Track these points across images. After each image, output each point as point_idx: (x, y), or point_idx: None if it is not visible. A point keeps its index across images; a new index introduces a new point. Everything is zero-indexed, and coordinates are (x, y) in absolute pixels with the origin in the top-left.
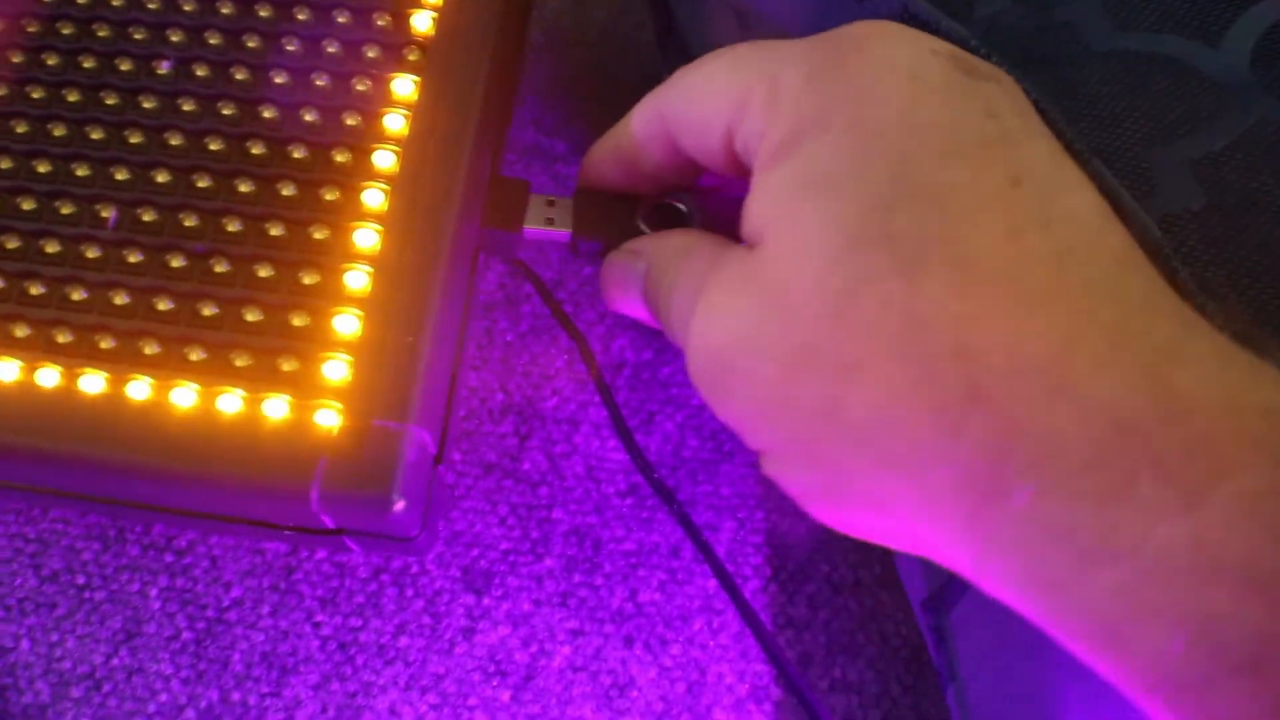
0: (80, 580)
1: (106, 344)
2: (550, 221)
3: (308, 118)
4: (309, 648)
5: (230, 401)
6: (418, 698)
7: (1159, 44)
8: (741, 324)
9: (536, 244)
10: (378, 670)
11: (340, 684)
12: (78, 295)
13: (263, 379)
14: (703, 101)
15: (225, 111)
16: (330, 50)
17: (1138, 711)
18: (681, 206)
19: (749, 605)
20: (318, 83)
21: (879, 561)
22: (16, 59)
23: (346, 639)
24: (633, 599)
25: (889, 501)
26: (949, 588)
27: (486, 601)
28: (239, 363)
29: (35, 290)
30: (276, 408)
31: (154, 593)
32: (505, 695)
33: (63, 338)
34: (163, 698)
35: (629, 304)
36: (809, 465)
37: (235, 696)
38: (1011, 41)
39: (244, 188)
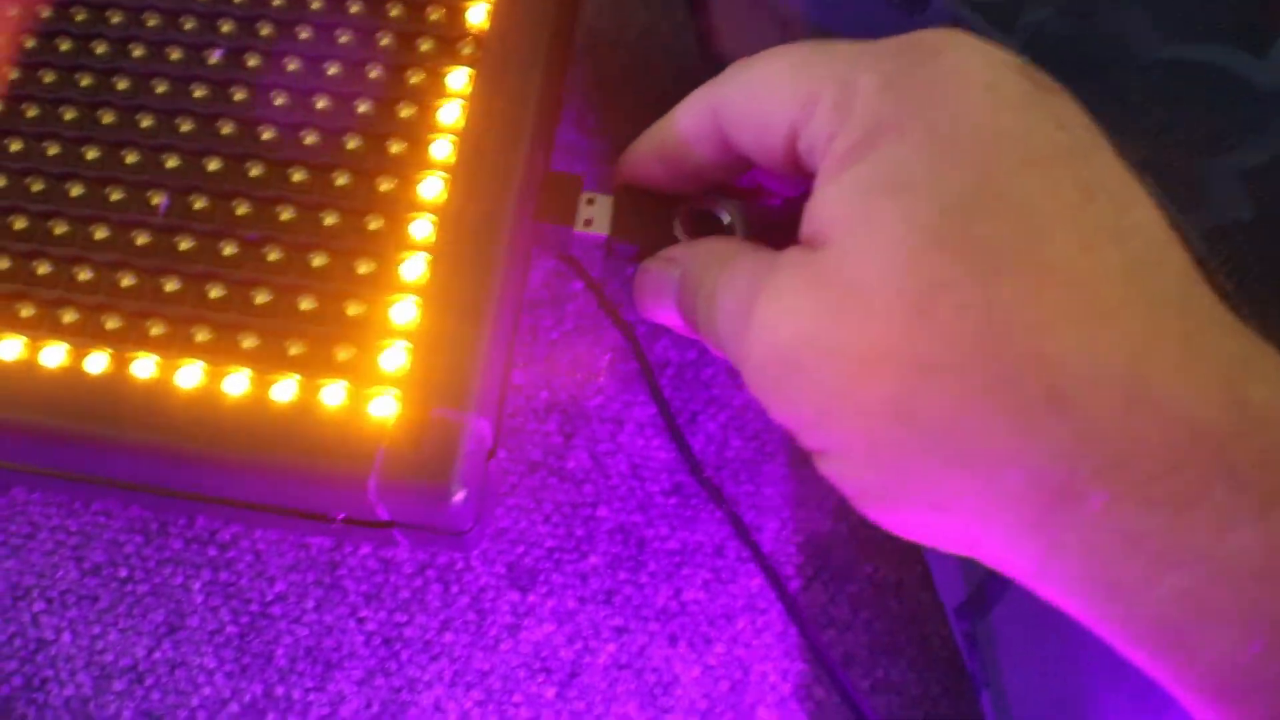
0: (123, 573)
1: (157, 330)
2: (589, 223)
3: (361, 109)
4: (353, 643)
5: (284, 389)
6: (463, 694)
7: (1206, 54)
8: (810, 323)
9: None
10: (423, 666)
11: (385, 679)
12: (127, 281)
13: (317, 367)
14: (765, 98)
15: (278, 102)
16: (384, 42)
17: (1178, 718)
18: (724, 216)
19: (796, 604)
20: (371, 74)
21: (921, 562)
22: (65, 46)
23: (391, 634)
24: (677, 597)
25: (952, 503)
26: (984, 593)
27: (531, 598)
28: (293, 350)
29: (84, 276)
30: (332, 396)
31: (197, 586)
32: (550, 692)
33: (112, 323)
34: (206, 691)
35: (662, 311)
36: (873, 465)
37: (279, 691)
38: (1056, 50)
39: (297, 177)
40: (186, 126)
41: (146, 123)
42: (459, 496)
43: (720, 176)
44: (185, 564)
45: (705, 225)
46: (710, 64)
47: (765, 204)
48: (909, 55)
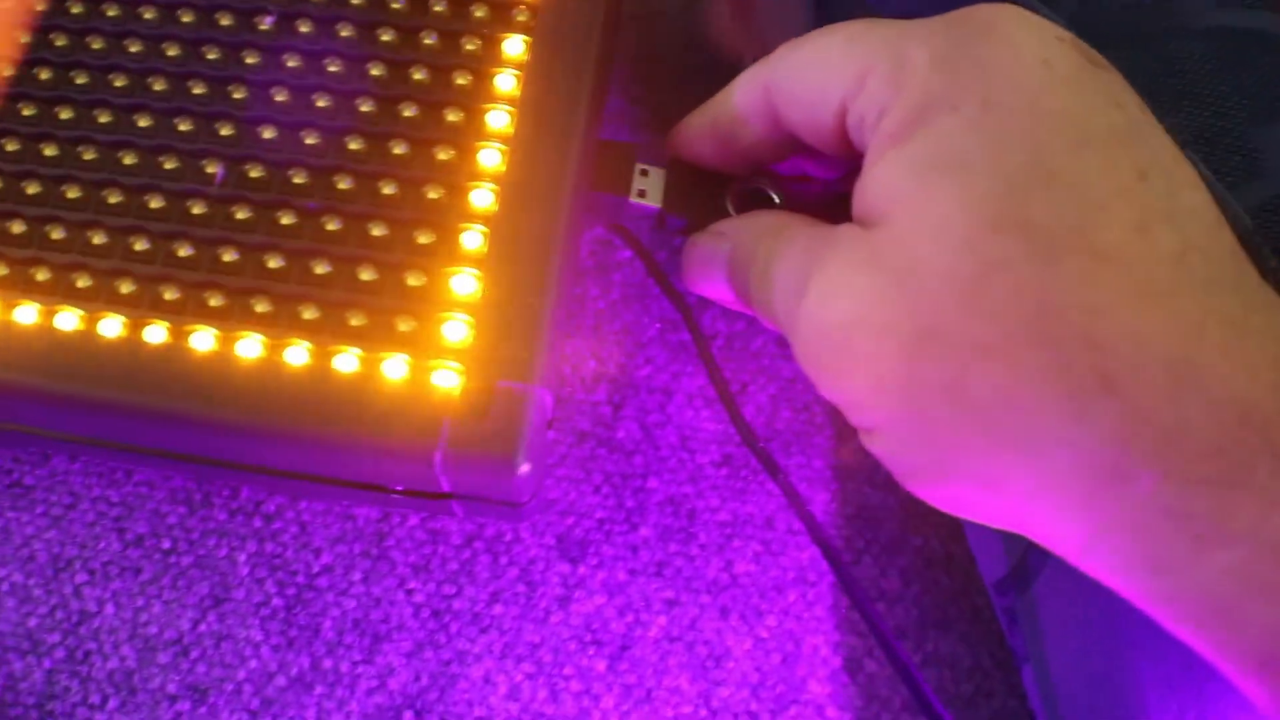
0: (166, 545)
1: (216, 301)
2: (642, 194)
3: (417, 76)
4: (402, 615)
5: (346, 361)
6: (513, 666)
7: (1258, 20)
8: (864, 302)
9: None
10: (472, 638)
11: (434, 652)
12: (184, 252)
13: (379, 339)
14: (817, 74)
15: (331, 69)
16: (437, 9)
17: (1212, 694)
18: (773, 195)
19: (850, 576)
20: (425, 41)
21: None
22: (112, 12)
23: (440, 606)
24: (728, 569)
25: (1002, 482)
26: (1024, 568)
27: (582, 570)
28: (354, 322)
29: (140, 246)
30: (394, 368)
31: (242, 558)
32: (601, 665)
33: (170, 294)
34: (252, 664)
35: (711, 285)
36: (923, 443)
37: (327, 664)
38: (1105, 19)
39: (354, 145)
40: (239, 94)
41: (198, 90)
42: (525, 469)
43: (768, 156)
44: (230, 535)
45: (756, 203)
46: (750, 37)
47: (808, 189)
48: (961, 30)
